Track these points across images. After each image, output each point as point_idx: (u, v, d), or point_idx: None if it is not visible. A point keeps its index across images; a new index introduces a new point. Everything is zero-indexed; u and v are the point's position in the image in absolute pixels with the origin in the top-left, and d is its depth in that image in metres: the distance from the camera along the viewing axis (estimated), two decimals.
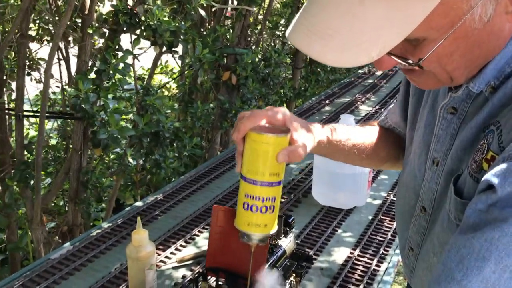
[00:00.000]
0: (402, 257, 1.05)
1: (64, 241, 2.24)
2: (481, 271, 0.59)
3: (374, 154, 1.11)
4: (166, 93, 4.54)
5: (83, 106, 1.76)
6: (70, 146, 2.32)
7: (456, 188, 0.77)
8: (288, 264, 1.34)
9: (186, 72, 3.52)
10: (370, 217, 1.88)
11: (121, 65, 1.91)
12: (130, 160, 2.19)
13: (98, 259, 1.56)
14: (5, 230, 2.48)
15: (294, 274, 1.36)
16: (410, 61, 0.66)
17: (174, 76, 4.11)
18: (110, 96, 1.98)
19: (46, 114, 2.02)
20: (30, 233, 2.12)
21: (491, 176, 0.62)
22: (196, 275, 1.15)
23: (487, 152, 0.69)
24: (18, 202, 2.17)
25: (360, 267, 1.54)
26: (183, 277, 1.46)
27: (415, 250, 0.97)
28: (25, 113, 2.18)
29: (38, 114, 1.97)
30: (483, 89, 0.74)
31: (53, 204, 3.12)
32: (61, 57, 3.46)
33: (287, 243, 1.34)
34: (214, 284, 1.17)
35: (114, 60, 1.86)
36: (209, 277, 1.19)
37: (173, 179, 2.72)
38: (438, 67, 0.69)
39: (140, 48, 2.23)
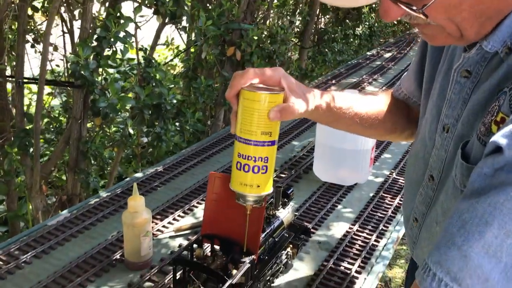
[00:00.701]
0: (406, 229, 1.03)
1: (63, 210, 2.25)
2: (483, 236, 0.56)
3: (380, 124, 1.07)
4: (172, 71, 4.50)
5: (82, 72, 1.73)
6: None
7: (463, 152, 0.75)
8: (286, 235, 1.32)
9: (191, 50, 3.48)
10: (371, 194, 1.86)
11: (122, 33, 1.88)
12: (131, 131, 2.17)
13: (95, 226, 1.55)
14: (5, 199, 2.48)
15: (291, 245, 1.35)
16: (414, 8, 0.63)
17: (180, 53, 4.07)
18: (115, 72, 1.95)
19: (46, 80, 2.00)
20: (29, 202, 2.12)
21: (499, 137, 0.59)
22: (191, 242, 1.14)
23: (497, 114, 0.66)
24: (18, 170, 2.16)
25: (359, 242, 1.52)
26: (180, 245, 1.45)
27: (419, 221, 0.95)
28: (25, 80, 2.16)
29: (37, 81, 1.95)
30: (499, 50, 0.70)
31: (56, 178, 3.11)
32: (65, 29, 3.43)
33: (285, 214, 1.33)
34: (209, 252, 1.15)
35: (115, 28, 1.82)
36: (204, 245, 1.18)
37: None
38: (445, 18, 0.66)
39: (142, 16, 2.20)
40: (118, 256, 1.38)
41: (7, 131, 2.34)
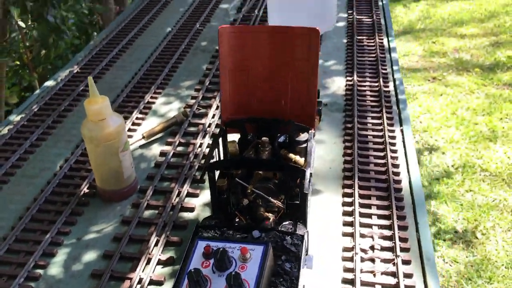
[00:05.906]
0: None
1: None
2: None
3: None
4: None
5: None
6: None
7: None
8: None
9: None
10: (345, 41, 1.58)
11: None
12: (21, 23, 1.54)
13: (26, 162, 1.08)
14: None
15: None
16: None
17: None
18: None
19: None
20: None
21: None
22: (215, 138, 0.78)
23: None
24: None
25: (367, 92, 1.27)
26: (163, 154, 1.07)
27: None
28: None
29: None
30: None
31: None
32: None
33: None
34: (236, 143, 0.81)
35: None
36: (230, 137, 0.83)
37: (70, 58, 2.15)
38: None
39: None
40: (86, 190, 0.97)
41: None
